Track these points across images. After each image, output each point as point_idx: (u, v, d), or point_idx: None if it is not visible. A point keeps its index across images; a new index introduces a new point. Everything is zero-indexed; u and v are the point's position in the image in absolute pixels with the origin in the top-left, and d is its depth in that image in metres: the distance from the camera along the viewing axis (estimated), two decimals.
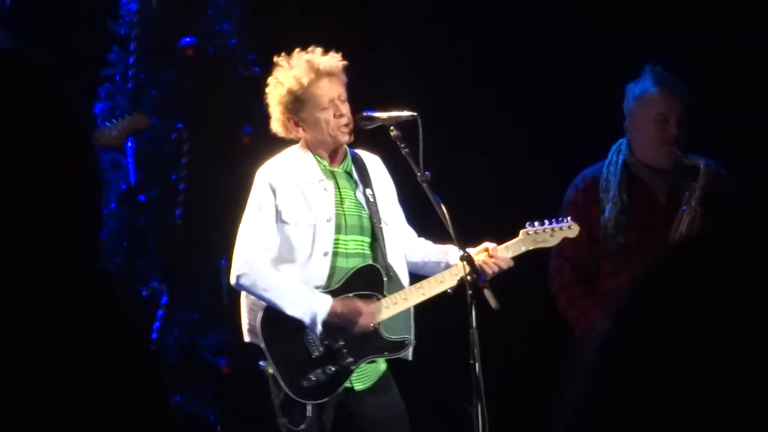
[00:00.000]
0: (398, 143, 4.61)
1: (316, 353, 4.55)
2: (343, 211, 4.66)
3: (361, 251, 4.66)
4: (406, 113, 4.66)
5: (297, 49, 4.69)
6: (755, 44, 5.81)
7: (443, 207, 4.50)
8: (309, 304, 4.51)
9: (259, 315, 4.55)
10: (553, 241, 4.83)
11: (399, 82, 6.27)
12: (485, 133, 6.54)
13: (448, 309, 4.66)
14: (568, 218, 4.88)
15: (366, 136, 4.80)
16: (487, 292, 4.34)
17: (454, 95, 6.62)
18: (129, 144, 6.40)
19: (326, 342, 4.56)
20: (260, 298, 4.55)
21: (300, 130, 4.67)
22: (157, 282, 6.65)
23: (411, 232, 4.87)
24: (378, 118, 4.69)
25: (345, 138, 4.66)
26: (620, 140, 5.29)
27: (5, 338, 1.21)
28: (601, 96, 6.05)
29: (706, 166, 5.07)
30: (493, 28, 6.59)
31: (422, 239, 4.87)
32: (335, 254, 4.60)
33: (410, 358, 4.70)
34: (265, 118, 4.77)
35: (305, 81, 4.60)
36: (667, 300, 1.17)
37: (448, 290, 4.54)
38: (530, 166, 6.36)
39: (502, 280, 4.62)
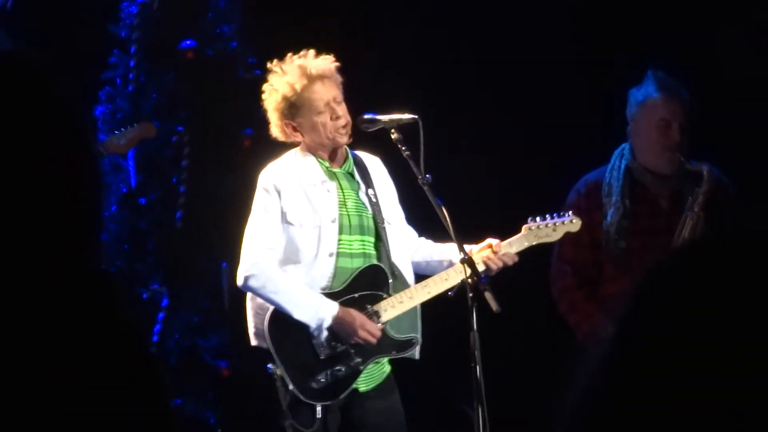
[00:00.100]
0: (399, 146, 4.62)
1: (324, 355, 4.55)
2: (347, 211, 4.66)
3: (365, 251, 4.66)
4: (407, 116, 4.66)
5: (290, 54, 4.69)
6: (755, 44, 5.81)
7: (444, 209, 4.50)
8: (316, 309, 4.52)
9: (267, 318, 4.54)
10: (555, 236, 4.83)
11: (399, 83, 6.27)
12: (485, 134, 6.54)
13: (449, 310, 4.66)
14: (570, 212, 4.88)
15: (367, 138, 4.80)
16: (488, 295, 4.34)
17: (454, 95, 6.62)
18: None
19: (334, 343, 4.56)
20: (267, 300, 4.55)
21: (298, 134, 4.68)
22: (157, 284, 6.66)
23: (412, 232, 4.88)
24: (379, 121, 4.69)
25: (343, 139, 4.66)
26: (623, 145, 5.29)
27: (5, 338, 1.21)
28: (601, 96, 6.06)
29: (709, 171, 5.07)
30: (493, 29, 6.59)
31: (423, 238, 4.88)
32: (340, 255, 4.61)
33: (417, 357, 4.70)
34: (266, 120, 4.77)
35: (299, 86, 4.61)
36: (669, 304, 1.17)
37: (449, 293, 4.54)
38: (530, 166, 6.36)
39: (503, 282, 4.62)
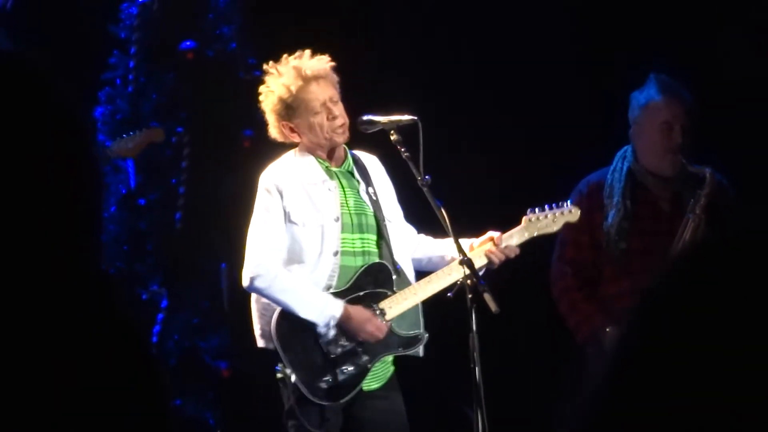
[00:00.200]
0: (398, 147, 4.62)
1: (332, 354, 4.55)
2: (349, 210, 4.67)
3: (368, 249, 4.67)
4: (406, 117, 4.66)
5: (285, 55, 4.69)
6: (755, 44, 5.81)
7: (443, 211, 4.50)
8: (323, 307, 4.52)
9: (273, 319, 4.54)
10: (555, 227, 4.83)
11: (399, 84, 6.27)
12: (485, 134, 6.54)
13: (448, 311, 4.65)
14: (568, 202, 4.88)
15: (366, 139, 4.80)
16: (487, 296, 4.34)
17: (454, 96, 6.62)
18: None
19: (341, 342, 4.57)
20: (274, 300, 4.55)
21: (296, 135, 4.68)
22: (157, 285, 6.66)
23: (411, 230, 4.88)
24: (378, 122, 4.69)
25: (341, 138, 4.67)
26: (625, 147, 5.29)
27: (5, 338, 1.21)
28: (601, 96, 6.06)
29: (711, 174, 5.07)
30: (493, 29, 6.59)
31: (422, 235, 4.89)
32: (343, 253, 4.61)
33: (421, 354, 4.71)
34: (265, 122, 4.77)
35: (294, 88, 4.61)
36: (672, 306, 1.17)
37: (449, 294, 4.54)
38: (530, 166, 6.36)
39: (502, 283, 4.62)
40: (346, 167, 4.75)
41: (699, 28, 6.18)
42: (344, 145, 4.75)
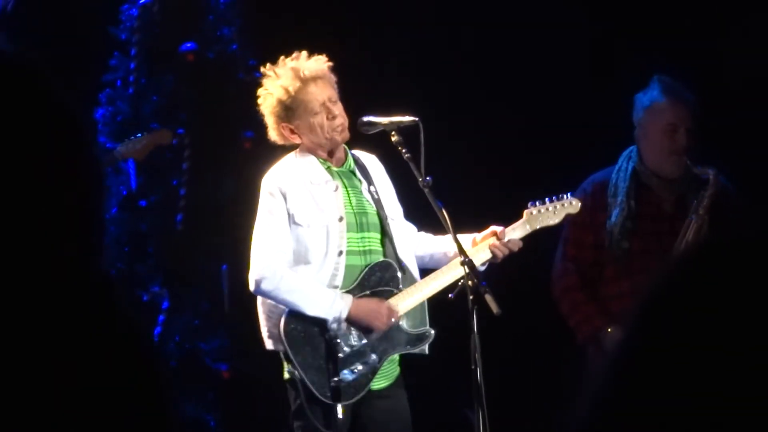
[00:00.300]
0: (399, 148, 4.62)
1: (342, 354, 4.56)
2: (353, 209, 4.68)
3: (372, 248, 4.68)
4: (407, 118, 4.66)
5: (282, 57, 4.69)
6: (757, 44, 5.81)
7: (444, 212, 4.50)
8: (331, 304, 4.53)
9: (282, 321, 4.54)
10: (556, 219, 4.84)
11: (400, 84, 6.27)
12: (485, 133, 6.54)
13: (449, 312, 4.66)
14: (569, 194, 4.89)
15: (366, 139, 4.80)
16: (488, 298, 4.34)
17: (454, 96, 6.62)
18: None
19: (350, 342, 4.57)
20: (281, 301, 4.55)
21: (296, 136, 4.68)
22: (157, 287, 6.65)
23: (412, 228, 4.89)
24: (379, 124, 4.69)
25: (341, 138, 4.68)
26: (630, 147, 5.30)
27: (4, 338, 1.20)
28: (602, 97, 6.06)
29: (715, 175, 5.08)
30: (494, 29, 6.59)
31: (423, 233, 4.89)
32: (349, 253, 4.62)
33: (426, 352, 4.71)
34: (265, 123, 4.77)
35: (293, 89, 4.62)
36: (674, 307, 1.17)
37: (450, 295, 4.54)
38: (532, 165, 6.36)
39: (503, 284, 4.62)
40: (347, 167, 4.76)
41: (699, 27, 6.18)
42: (344, 145, 4.75)
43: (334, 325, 4.54)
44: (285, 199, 4.62)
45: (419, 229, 4.91)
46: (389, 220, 4.71)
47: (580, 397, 1.20)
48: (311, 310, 4.52)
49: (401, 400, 4.70)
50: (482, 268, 4.69)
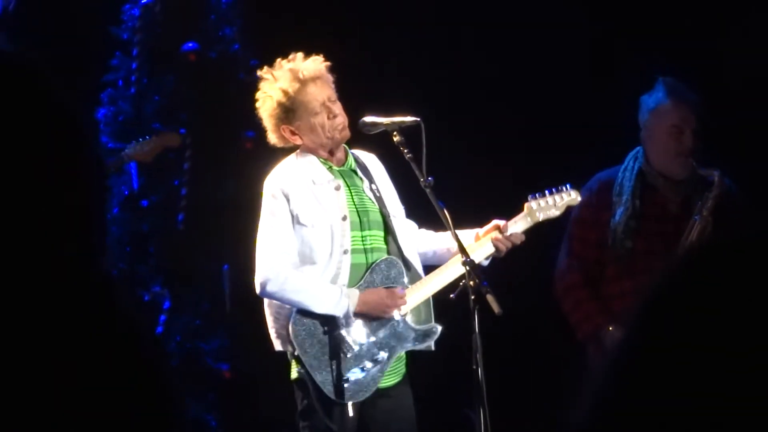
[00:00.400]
0: (401, 148, 4.62)
1: (351, 353, 4.56)
2: (356, 207, 4.69)
3: (377, 246, 4.69)
4: (409, 118, 4.66)
5: (279, 59, 4.69)
6: (757, 44, 5.81)
7: (446, 212, 4.51)
8: (338, 300, 4.53)
9: (290, 322, 4.55)
10: (557, 211, 4.84)
11: (401, 84, 6.27)
12: (485, 134, 6.54)
13: (451, 313, 4.66)
14: (568, 185, 4.89)
15: (366, 139, 4.80)
16: (490, 298, 4.33)
17: (454, 96, 6.62)
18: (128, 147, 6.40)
19: (358, 340, 4.58)
20: (288, 302, 4.55)
21: (297, 137, 4.68)
22: (159, 287, 6.66)
23: (413, 225, 4.90)
24: (381, 124, 4.69)
25: (343, 136, 4.68)
26: (637, 147, 5.30)
27: (5, 338, 1.20)
28: (603, 97, 6.06)
29: (720, 176, 5.08)
30: (494, 28, 6.59)
31: (424, 230, 4.90)
32: (353, 251, 4.62)
33: (433, 348, 4.72)
34: (263, 127, 4.77)
35: (292, 91, 4.62)
36: (676, 307, 1.17)
37: (451, 296, 4.55)
38: (533, 165, 6.36)
39: (504, 284, 4.62)
40: (348, 166, 4.76)
41: (699, 27, 6.18)
42: (344, 145, 4.76)
43: (343, 321, 4.55)
44: (288, 200, 4.63)
45: (420, 228, 4.92)
46: (391, 218, 4.72)
47: (580, 397, 1.20)
48: (318, 308, 4.53)
49: (405, 400, 4.70)
50: (486, 263, 4.71)
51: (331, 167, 4.72)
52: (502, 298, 4.34)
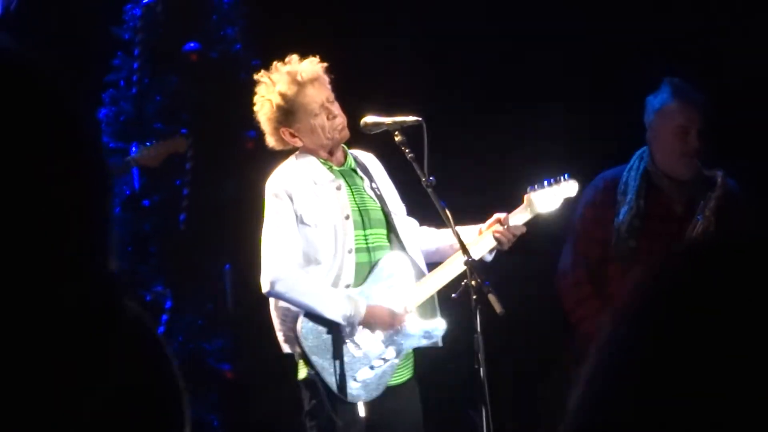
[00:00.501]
0: (403, 148, 4.62)
1: (359, 353, 4.57)
2: (358, 206, 4.70)
3: (380, 244, 4.70)
4: (410, 118, 4.67)
5: (275, 63, 4.70)
6: (757, 44, 5.81)
7: (447, 212, 4.51)
8: (345, 308, 4.54)
9: (298, 323, 4.55)
10: (556, 204, 4.86)
11: (403, 84, 6.27)
12: (486, 134, 6.54)
13: (452, 313, 4.66)
14: (566, 174, 4.90)
15: (366, 139, 4.81)
16: (491, 297, 4.34)
17: (455, 97, 6.62)
18: (133, 149, 6.41)
19: (366, 339, 4.58)
20: (296, 302, 4.56)
21: (297, 139, 4.69)
22: (161, 287, 6.66)
23: (414, 222, 4.90)
24: (382, 124, 4.70)
25: (343, 136, 4.69)
26: (643, 147, 5.30)
27: (5, 338, 1.21)
28: (603, 97, 6.06)
29: (723, 176, 5.08)
30: (494, 28, 6.59)
31: (425, 227, 4.91)
32: (357, 250, 4.63)
33: (440, 344, 4.72)
34: (262, 131, 4.78)
35: (291, 93, 4.63)
36: (672, 304, 1.17)
37: (453, 296, 4.55)
38: (531, 165, 6.35)
39: (505, 284, 4.62)
40: (348, 165, 4.77)
41: (699, 28, 6.18)
42: (343, 145, 4.76)
43: (348, 329, 4.56)
44: (291, 200, 4.63)
45: (421, 226, 4.92)
46: (393, 216, 4.73)
47: (580, 397, 1.20)
48: (326, 312, 4.53)
49: (412, 400, 4.72)
50: (489, 257, 4.72)
51: (331, 167, 4.72)
52: (503, 297, 4.34)
